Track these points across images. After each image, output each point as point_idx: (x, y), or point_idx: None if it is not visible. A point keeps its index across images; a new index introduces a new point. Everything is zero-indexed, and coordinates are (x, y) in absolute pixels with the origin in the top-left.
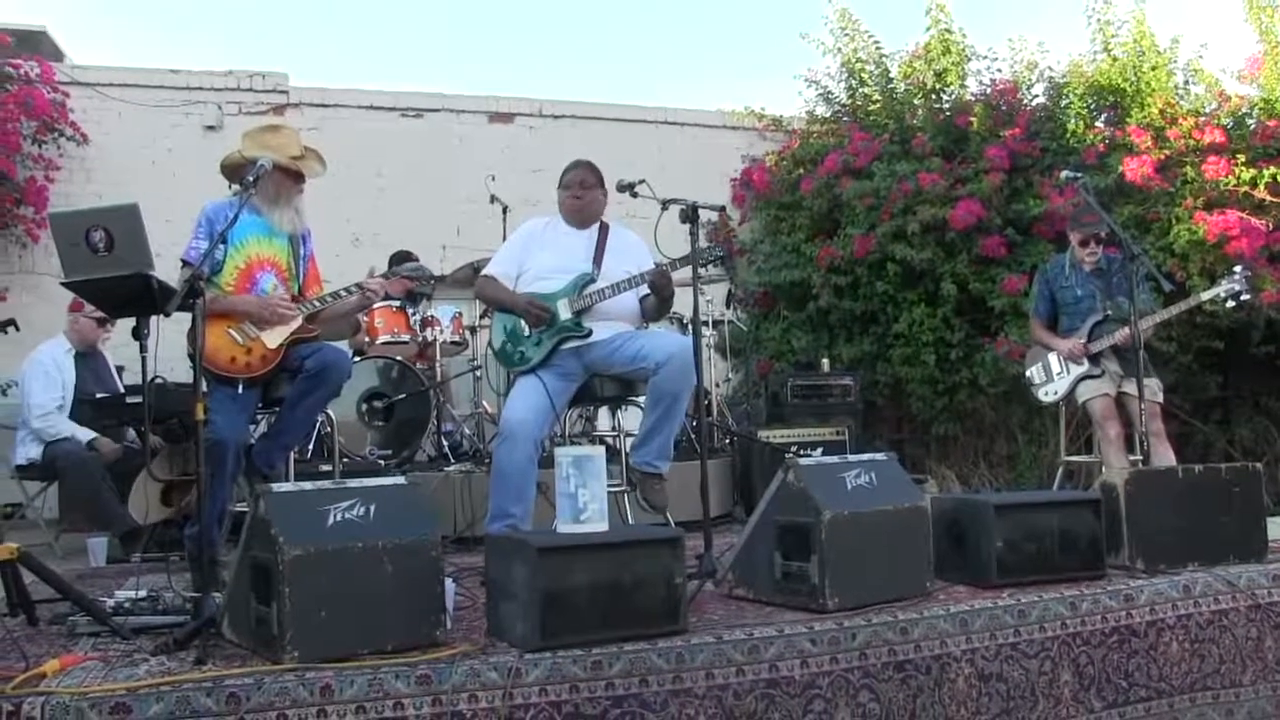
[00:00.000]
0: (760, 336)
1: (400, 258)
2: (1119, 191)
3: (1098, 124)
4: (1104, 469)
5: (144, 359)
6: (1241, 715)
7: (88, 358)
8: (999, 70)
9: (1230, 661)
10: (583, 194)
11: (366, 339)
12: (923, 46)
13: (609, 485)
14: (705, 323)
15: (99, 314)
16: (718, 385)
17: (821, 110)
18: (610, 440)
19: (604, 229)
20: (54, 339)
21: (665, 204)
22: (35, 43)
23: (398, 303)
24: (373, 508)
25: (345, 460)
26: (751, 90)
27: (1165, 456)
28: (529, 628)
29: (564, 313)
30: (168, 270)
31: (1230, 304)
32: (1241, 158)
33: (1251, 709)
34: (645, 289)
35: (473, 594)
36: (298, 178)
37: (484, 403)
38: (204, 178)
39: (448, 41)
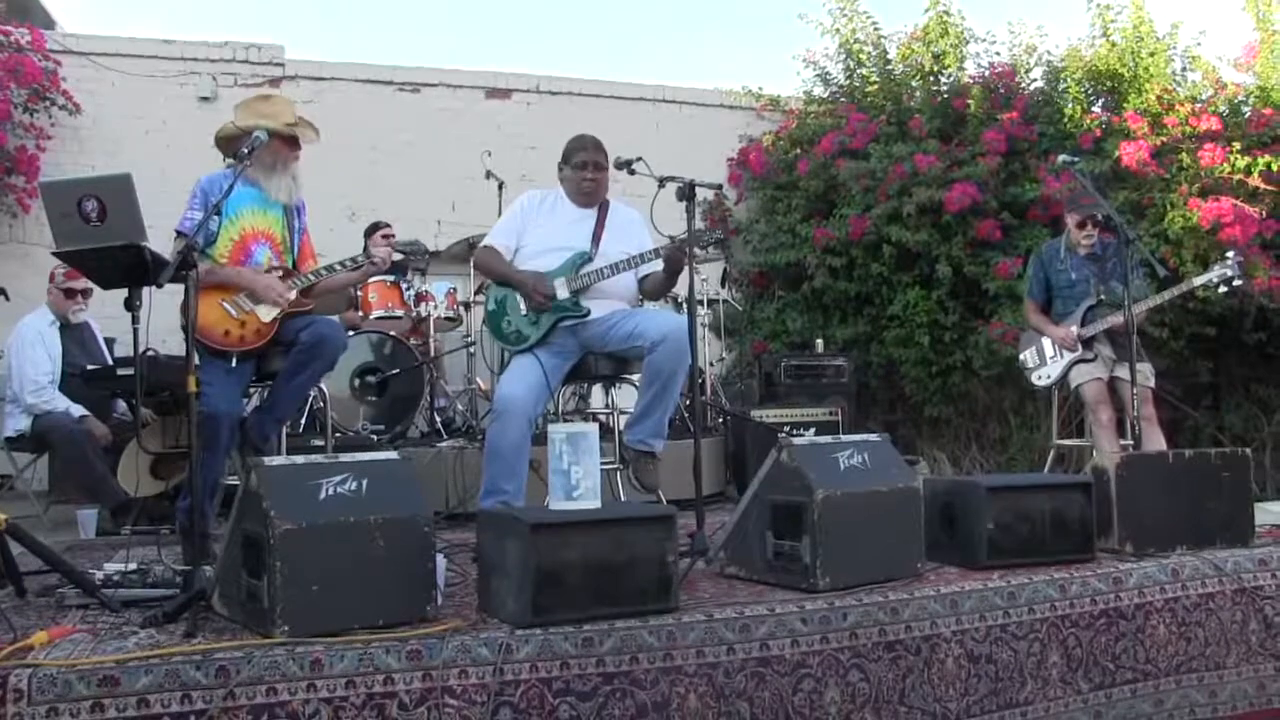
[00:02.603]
0: (755, 316)
1: (374, 228)
2: (1114, 177)
3: (1095, 109)
4: (1095, 453)
5: (135, 331)
6: (1224, 696)
7: (72, 329)
8: (997, 53)
9: (1215, 644)
10: (597, 175)
11: (360, 314)
12: (921, 28)
13: (602, 463)
14: (700, 302)
15: (68, 284)
16: (712, 364)
17: (819, 91)
18: (604, 418)
19: (604, 206)
20: (38, 310)
21: (662, 181)
22: (26, 10)
23: (391, 277)
24: (365, 483)
25: (338, 435)
26: (749, 70)
27: (1156, 441)
28: (520, 604)
29: (561, 292)
30: (160, 242)
31: (1222, 289)
32: (1236, 145)
33: (1234, 690)
34: (647, 266)
35: (464, 570)
36: (293, 144)
37: (477, 379)
38: (198, 149)
39: (445, 16)
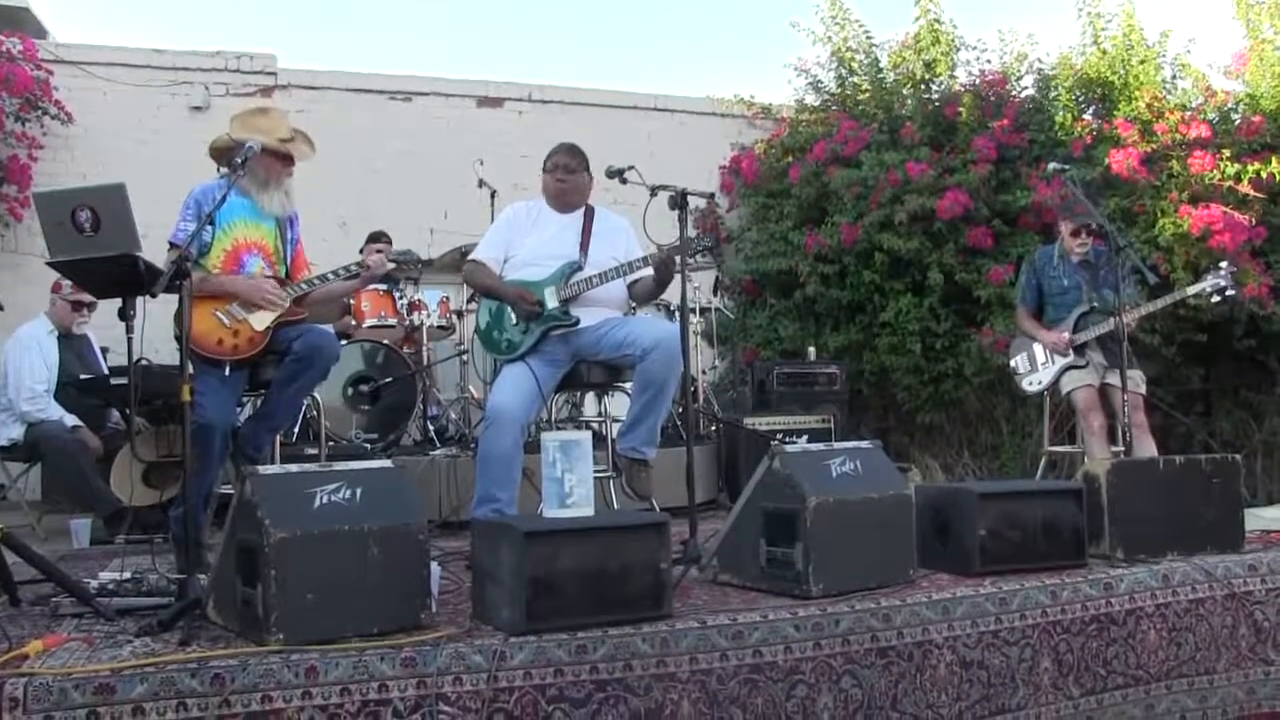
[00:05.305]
0: (747, 324)
1: (374, 237)
2: (1105, 184)
3: (1085, 116)
4: (1086, 459)
5: (129, 340)
6: (1214, 702)
7: (70, 339)
8: (988, 61)
9: (1205, 649)
10: (566, 178)
11: (353, 323)
12: (912, 36)
13: (595, 470)
14: (692, 310)
15: (75, 296)
16: (704, 372)
17: (811, 99)
18: (596, 426)
19: (590, 213)
20: (36, 319)
21: (654, 190)
22: (18, 19)
23: (384, 286)
24: (359, 491)
25: (331, 443)
26: (741, 78)
27: (1147, 448)
28: (514, 611)
29: (551, 301)
30: (153, 251)
31: (1215, 299)
32: (1226, 152)
33: (1224, 695)
34: (636, 273)
35: (458, 578)
36: (286, 160)
37: (470, 387)
38: (190, 159)
39: (438, 25)
